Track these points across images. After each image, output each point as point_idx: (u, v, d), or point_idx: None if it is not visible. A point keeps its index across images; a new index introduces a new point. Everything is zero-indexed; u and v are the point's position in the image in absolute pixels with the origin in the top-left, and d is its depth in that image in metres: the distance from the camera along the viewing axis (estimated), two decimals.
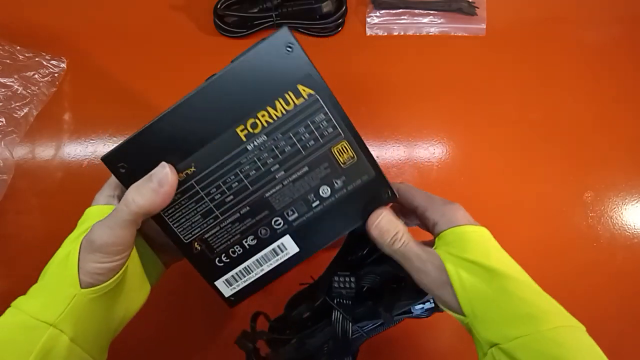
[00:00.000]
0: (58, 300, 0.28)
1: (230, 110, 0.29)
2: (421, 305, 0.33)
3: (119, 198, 0.32)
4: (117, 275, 0.29)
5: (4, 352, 0.27)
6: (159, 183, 0.29)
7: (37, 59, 0.50)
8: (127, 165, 0.30)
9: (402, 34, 0.52)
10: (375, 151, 0.50)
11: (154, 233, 0.33)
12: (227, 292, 0.33)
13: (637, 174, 0.50)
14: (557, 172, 0.50)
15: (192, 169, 0.30)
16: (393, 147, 0.50)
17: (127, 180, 0.30)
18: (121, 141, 0.30)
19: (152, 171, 0.29)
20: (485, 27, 0.52)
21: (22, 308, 0.28)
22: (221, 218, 0.31)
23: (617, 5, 0.54)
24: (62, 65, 0.50)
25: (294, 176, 0.31)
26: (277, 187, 0.31)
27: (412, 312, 0.31)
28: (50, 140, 0.49)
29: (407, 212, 0.35)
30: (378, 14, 0.52)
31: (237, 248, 0.32)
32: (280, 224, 0.32)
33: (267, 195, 0.31)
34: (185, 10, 0.52)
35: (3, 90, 0.48)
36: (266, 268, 0.33)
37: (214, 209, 0.31)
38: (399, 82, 0.51)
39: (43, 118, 0.49)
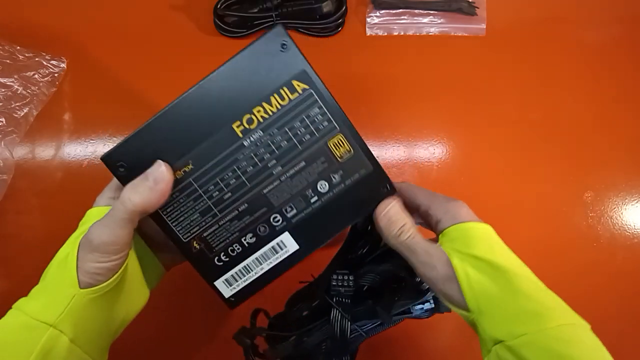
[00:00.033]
0: (57, 301, 0.28)
1: (226, 107, 0.30)
2: (421, 306, 0.33)
3: None
4: (115, 276, 0.29)
5: (5, 352, 0.27)
6: (155, 181, 0.29)
7: (37, 59, 0.50)
8: (125, 164, 0.30)
9: (402, 34, 0.52)
10: (375, 151, 0.50)
11: (153, 232, 0.33)
12: (227, 292, 0.33)
13: (637, 174, 0.50)
14: (557, 172, 0.50)
15: (190, 167, 0.30)
16: (393, 147, 0.50)
17: (125, 179, 0.30)
18: (120, 140, 0.30)
19: (148, 170, 0.29)
20: (485, 27, 0.52)
21: (22, 309, 0.28)
22: (219, 216, 0.31)
23: (617, 5, 0.54)
24: (62, 65, 0.50)
25: (291, 171, 0.31)
26: (275, 183, 0.31)
27: (411, 313, 0.31)
28: (50, 140, 0.49)
29: (409, 210, 0.35)
30: (378, 14, 0.52)
31: (236, 246, 0.32)
32: (279, 220, 0.32)
33: (265, 191, 0.31)
34: (185, 10, 0.52)
35: (3, 90, 0.48)
36: (266, 267, 0.33)
37: (212, 206, 0.31)
38: (399, 82, 0.51)
39: (43, 118, 0.49)
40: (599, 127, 0.51)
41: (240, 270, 0.33)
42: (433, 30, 0.52)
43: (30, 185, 0.48)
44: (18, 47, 0.50)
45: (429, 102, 0.51)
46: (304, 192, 0.31)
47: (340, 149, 0.31)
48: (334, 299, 0.32)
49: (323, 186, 0.31)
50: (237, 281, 0.33)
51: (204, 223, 0.32)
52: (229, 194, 0.31)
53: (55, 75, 0.50)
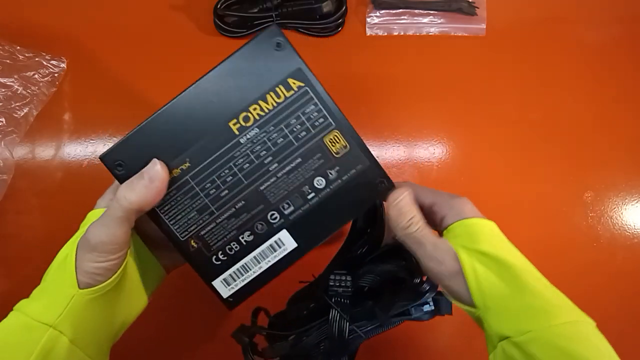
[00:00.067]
0: (57, 302, 0.28)
1: (222, 105, 0.30)
2: (420, 308, 0.32)
3: None
4: (115, 276, 0.29)
5: (5, 353, 0.27)
6: (150, 179, 0.29)
7: (37, 59, 0.49)
8: (123, 163, 0.30)
9: (402, 34, 0.52)
10: (375, 151, 0.50)
11: (154, 233, 0.33)
12: (225, 292, 0.33)
13: (637, 174, 0.50)
14: (557, 172, 0.50)
15: (187, 165, 0.30)
16: (393, 147, 0.50)
17: (124, 178, 0.30)
18: (116, 141, 0.30)
19: (144, 168, 0.29)
20: (485, 27, 0.52)
21: (23, 310, 0.28)
22: (217, 214, 0.32)
23: (617, 5, 0.54)
24: (62, 65, 0.50)
25: (287, 168, 0.31)
26: (272, 180, 0.31)
27: (410, 314, 0.31)
28: (50, 140, 0.49)
29: None
30: (378, 14, 0.52)
31: (233, 245, 0.32)
32: (276, 218, 0.32)
33: (261, 188, 0.31)
34: (185, 10, 0.52)
35: (3, 90, 0.48)
36: (264, 265, 0.32)
37: (209, 204, 0.31)
38: (399, 82, 0.51)
39: (43, 118, 0.49)
40: (599, 127, 0.51)
41: (238, 270, 0.32)
42: (433, 30, 0.52)
43: (30, 185, 0.48)
44: (18, 47, 0.50)
45: (429, 102, 0.51)
46: (300, 189, 0.32)
47: (336, 145, 0.31)
48: (333, 299, 0.31)
49: (320, 182, 0.32)
50: (235, 281, 0.33)
51: (201, 221, 0.32)
52: (226, 191, 0.31)
53: (55, 75, 0.50)
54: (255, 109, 0.30)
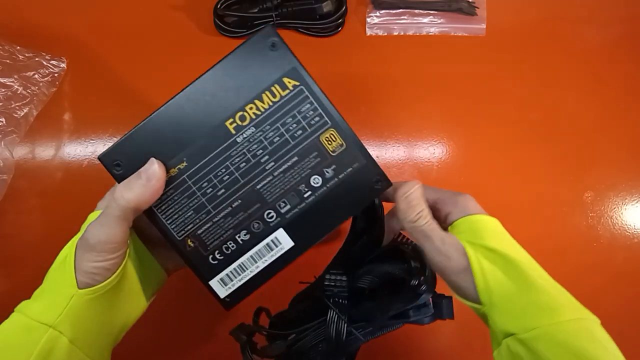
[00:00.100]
0: (57, 302, 0.28)
1: (219, 105, 0.30)
2: (420, 311, 0.32)
3: None
4: (113, 276, 0.29)
5: (5, 354, 0.27)
6: (147, 178, 0.29)
7: (37, 59, 0.49)
8: (122, 163, 0.30)
9: (402, 34, 0.52)
10: (375, 151, 0.50)
11: (153, 233, 0.33)
12: (222, 292, 0.33)
13: (637, 174, 0.50)
14: (557, 172, 0.50)
15: (184, 164, 0.31)
16: (393, 147, 0.50)
17: (122, 178, 0.30)
18: (115, 141, 0.30)
19: (141, 168, 0.29)
20: (485, 27, 0.52)
21: (23, 311, 0.28)
22: (213, 213, 0.32)
23: (617, 5, 0.54)
24: (62, 65, 0.50)
25: (283, 167, 0.31)
26: (268, 179, 0.31)
27: (409, 317, 0.31)
28: (50, 140, 0.49)
29: None
30: (378, 14, 0.52)
31: (230, 244, 0.32)
32: (272, 216, 0.32)
33: (258, 187, 0.31)
34: (185, 10, 0.52)
35: (3, 90, 0.48)
36: (261, 265, 0.32)
37: (206, 203, 0.31)
38: (399, 82, 0.51)
39: (43, 118, 0.49)
40: (599, 127, 0.51)
41: (235, 269, 0.32)
42: (433, 30, 0.52)
43: (30, 185, 0.48)
44: (18, 47, 0.50)
45: (429, 102, 0.51)
46: (297, 187, 0.32)
47: (332, 144, 0.31)
48: (331, 300, 0.31)
49: (316, 181, 0.32)
50: (232, 280, 0.33)
51: (198, 220, 0.32)
52: (223, 190, 0.31)
53: (55, 75, 0.50)
54: (251, 109, 0.31)
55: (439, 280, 0.32)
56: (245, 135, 0.31)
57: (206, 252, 0.32)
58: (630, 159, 0.50)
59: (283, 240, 0.32)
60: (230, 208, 0.32)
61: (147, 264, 0.33)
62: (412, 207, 0.30)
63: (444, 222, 0.32)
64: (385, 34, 0.52)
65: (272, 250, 0.32)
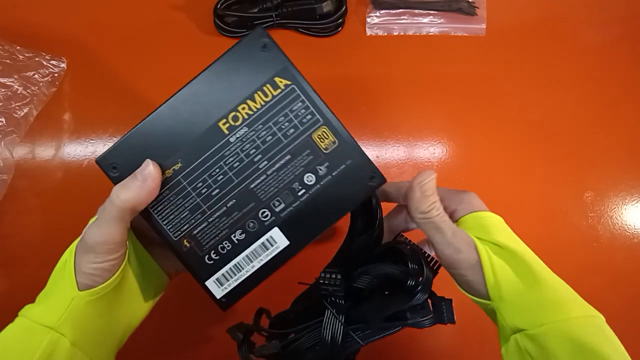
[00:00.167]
0: (58, 304, 0.28)
1: (212, 106, 0.31)
2: (418, 313, 0.32)
3: None
4: (113, 277, 0.29)
5: (8, 356, 0.27)
6: (143, 178, 0.29)
7: (37, 59, 0.50)
8: (118, 165, 0.31)
9: (402, 34, 0.52)
10: (375, 151, 0.50)
11: (154, 237, 0.33)
12: (218, 292, 0.33)
13: (637, 174, 0.50)
14: (557, 172, 0.50)
15: (179, 165, 0.31)
16: (393, 147, 0.50)
17: (118, 180, 0.30)
18: (113, 143, 0.31)
19: (137, 169, 0.30)
20: (485, 27, 0.52)
21: (26, 315, 0.29)
22: (208, 213, 0.32)
23: (617, 5, 0.54)
24: (62, 65, 0.50)
25: (277, 165, 0.32)
26: (262, 178, 0.32)
27: (407, 319, 0.31)
28: (50, 140, 0.49)
29: None
30: (378, 14, 0.52)
31: (225, 244, 0.32)
32: (267, 215, 0.32)
33: (252, 186, 0.32)
34: (185, 10, 0.52)
35: (3, 90, 0.48)
36: (257, 264, 0.33)
37: (201, 203, 0.32)
38: (398, 82, 0.51)
39: (43, 118, 0.49)
40: (599, 127, 0.51)
41: (231, 269, 0.33)
42: (433, 30, 0.52)
43: (30, 185, 0.48)
44: (18, 47, 0.50)
45: (429, 102, 0.51)
46: (291, 186, 0.32)
47: (325, 141, 0.31)
48: (328, 300, 0.31)
49: (310, 179, 0.32)
50: (228, 280, 0.33)
51: (193, 220, 0.32)
52: (217, 190, 0.32)
53: (55, 75, 0.50)
54: (243, 109, 0.31)
55: (440, 283, 0.31)
56: (238, 135, 0.31)
57: (202, 252, 0.32)
58: (630, 159, 0.50)
59: (278, 239, 0.32)
60: (225, 208, 0.32)
61: (148, 267, 0.33)
62: (426, 197, 0.30)
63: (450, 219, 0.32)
64: (385, 34, 0.52)
65: (267, 249, 0.32)
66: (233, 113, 0.31)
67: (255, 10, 0.50)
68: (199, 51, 0.51)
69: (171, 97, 0.31)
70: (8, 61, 0.49)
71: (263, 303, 0.37)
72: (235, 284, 0.33)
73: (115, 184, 0.30)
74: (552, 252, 0.48)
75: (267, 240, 0.32)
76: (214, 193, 0.32)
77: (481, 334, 0.46)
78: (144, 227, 0.32)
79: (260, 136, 0.31)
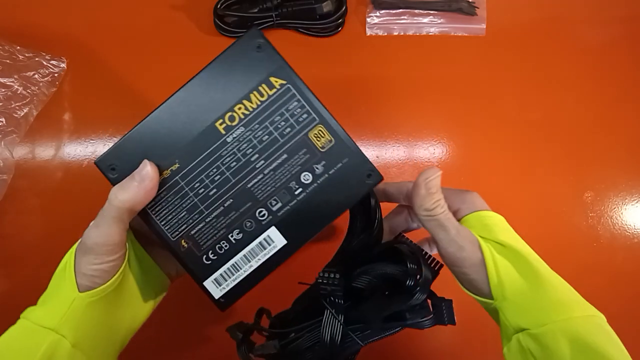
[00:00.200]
0: (58, 306, 0.28)
1: (209, 107, 0.31)
2: (417, 314, 0.31)
3: None
4: (113, 278, 0.29)
5: (10, 358, 0.27)
6: (140, 179, 0.29)
7: (37, 59, 0.49)
8: (116, 167, 0.31)
9: (402, 34, 0.52)
10: (375, 151, 0.50)
11: (153, 236, 0.33)
12: (216, 293, 0.33)
13: (637, 174, 0.50)
14: (557, 172, 0.50)
15: (177, 166, 0.31)
16: (393, 147, 0.50)
17: (117, 181, 0.30)
18: (111, 145, 0.31)
19: (135, 170, 0.30)
20: (485, 27, 0.52)
21: (27, 317, 0.29)
22: (206, 213, 0.32)
23: (617, 5, 0.54)
24: (62, 65, 0.50)
25: (273, 164, 0.32)
26: (259, 177, 0.32)
27: (406, 319, 0.30)
28: (50, 140, 0.49)
29: None
30: (378, 14, 0.52)
31: (223, 244, 0.32)
32: (264, 215, 0.32)
33: (249, 186, 0.32)
34: (185, 10, 0.52)
35: (3, 90, 0.48)
36: (254, 264, 0.33)
37: (199, 203, 0.32)
38: (399, 82, 0.51)
39: (43, 118, 0.49)
40: (599, 127, 0.51)
41: (228, 269, 0.33)
42: (433, 30, 0.52)
43: (30, 185, 0.48)
44: (18, 47, 0.50)
45: (429, 102, 0.51)
46: (287, 185, 0.32)
47: (321, 140, 0.32)
48: (327, 299, 0.31)
49: (307, 177, 0.32)
50: (226, 280, 0.33)
51: (191, 221, 0.32)
52: (214, 190, 0.32)
53: (55, 75, 0.50)
54: (240, 109, 0.31)
55: (440, 283, 0.31)
56: (234, 135, 0.31)
57: (200, 253, 0.32)
58: (630, 159, 0.50)
59: (276, 239, 0.32)
60: (222, 207, 0.32)
61: (148, 269, 0.33)
62: (430, 194, 0.30)
63: None
64: (385, 34, 0.52)
65: (265, 248, 0.32)
66: (229, 113, 0.31)
67: (255, 10, 0.50)
68: (199, 51, 0.51)
69: (168, 98, 0.31)
70: (8, 61, 0.49)
71: (263, 303, 0.37)
72: (234, 284, 0.33)
73: (114, 185, 0.30)
74: (552, 252, 0.48)
75: (265, 239, 0.32)
76: (211, 193, 0.32)
77: (482, 333, 0.46)
78: (144, 229, 0.32)
79: (256, 136, 0.31)
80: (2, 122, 0.48)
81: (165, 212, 0.32)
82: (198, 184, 0.32)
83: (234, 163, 0.32)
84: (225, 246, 0.32)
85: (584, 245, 0.49)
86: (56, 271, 0.30)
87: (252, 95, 0.31)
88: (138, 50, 0.51)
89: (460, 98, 0.51)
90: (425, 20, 0.52)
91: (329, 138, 0.32)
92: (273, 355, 0.33)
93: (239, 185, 0.32)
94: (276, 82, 0.31)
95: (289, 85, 0.31)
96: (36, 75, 0.49)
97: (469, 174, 0.50)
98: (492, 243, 0.30)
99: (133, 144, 0.31)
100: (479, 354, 0.47)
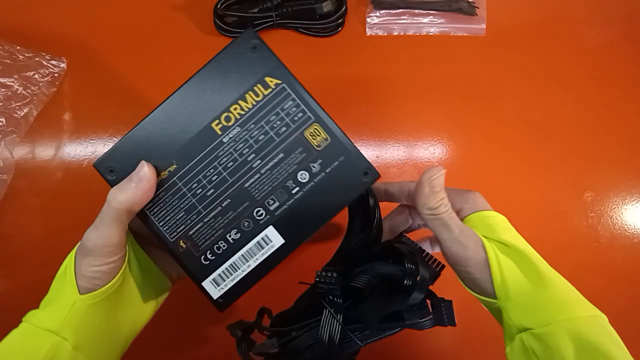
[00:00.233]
0: (59, 308, 0.28)
1: (205, 108, 0.31)
2: (416, 314, 0.31)
3: None
4: (113, 280, 0.29)
5: None
6: (138, 180, 0.29)
7: (37, 59, 0.50)
8: (115, 169, 0.31)
9: (402, 34, 0.52)
10: (375, 151, 0.50)
11: (154, 238, 0.33)
12: (215, 293, 0.33)
13: (637, 174, 0.50)
14: (557, 172, 0.50)
15: (174, 166, 0.32)
16: (393, 147, 0.50)
17: (115, 183, 0.31)
18: (111, 146, 0.31)
19: (133, 171, 0.30)
20: (485, 27, 0.52)
21: (29, 320, 0.29)
22: (204, 213, 0.32)
23: (617, 5, 0.54)
24: (62, 65, 0.50)
25: (270, 164, 0.32)
26: (256, 177, 0.32)
27: (404, 319, 0.30)
28: (50, 140, 0.49)
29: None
30: (378, 14, 0.52)
31: (221, 244, 0.32)
32: (262, 214, 0.32)
33: (246, 185, 0.32)
34: (185, 10, 0.52)
35: (3, 90, 0.48)
36: (252, 264, 0.33)
37: (197, 203, 0.32)
38: (398, 82, 0.51)
39: (43, 118, 0.49)
40: (599, 127, 0.51)
41: (227, 269, 0.33)
42: (433, 30, 0.52)
43: (30, 185, 0.48)
44: (18, 47, 0.50)
45: (429, 102, 0.51)
46: (284, 184, 0.32)
47: (317, 138, 0.32)
48: (326, 298, 0.31)
49: (303, 176, 0.32)
50: (224, 281, 0.33)
51: (189, 221, 0.32)
52: (212, 190, 0.32)
53: (55, 75, 0.50)
54: (235, 109, 0.31)
55: (441, 284, 0.31)
56: (231, 135, 0.32)
57: (198, 253, 0.32)
58: (630, 159, 0.50)
59: (273, 238, 0.33)
60: (220, 207, 0.32)
61: (149, 271, 0.34)
62: (434, 193, 0.30)
63: None
64: (385, 34, 0.52)
65: (262, 248, 0.33)
66: (225, 114, 0.31)
67: (255, 10, 0.50)
68: (198, 51, 0.51)
69: (165, 100, 0.31)
70: (8, 61, 0.49)
71: (264, 303, 0.37)
72: (232, 284, 0.33)
73: (113, 186, 0.30)
74: (552, 252, 0.48)
75: (262, 239, 0.33)
76: (209, 193, 0.32)
77: (482, 334, 0.46)
78: (144, 231, 0.32)
79: (252, 135, 0.32)
80: (2, 122, 0.48)
81: (163, 212, 0.32)
82: (195, 185, 0.32)
83: (231, 163, 0.32)
84: (224, 246, 0.32)
85: (584, 245, 0.49)
86: (57, 274, 0.30)
87: (247, 96, 0.31)
88: (138, 50, 0.51)
89: (460, 98, 0.51)
90: (425, 20, 0.52)
91: (325, 136, 0.32)
92: (272, 354, 0.33)
93: (236, 185, 0.32)
94: (271, 82, 0.31)
95: (284, 85, 0.31)
96: (36, 75, 0.49)
97: (469, 174, 0.50)
98: (496, 243, 0.30)
99: (130, 146, 0.31)
100: (479, 354, 0.47)
